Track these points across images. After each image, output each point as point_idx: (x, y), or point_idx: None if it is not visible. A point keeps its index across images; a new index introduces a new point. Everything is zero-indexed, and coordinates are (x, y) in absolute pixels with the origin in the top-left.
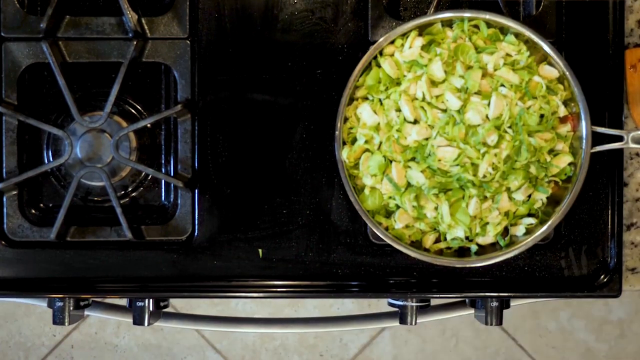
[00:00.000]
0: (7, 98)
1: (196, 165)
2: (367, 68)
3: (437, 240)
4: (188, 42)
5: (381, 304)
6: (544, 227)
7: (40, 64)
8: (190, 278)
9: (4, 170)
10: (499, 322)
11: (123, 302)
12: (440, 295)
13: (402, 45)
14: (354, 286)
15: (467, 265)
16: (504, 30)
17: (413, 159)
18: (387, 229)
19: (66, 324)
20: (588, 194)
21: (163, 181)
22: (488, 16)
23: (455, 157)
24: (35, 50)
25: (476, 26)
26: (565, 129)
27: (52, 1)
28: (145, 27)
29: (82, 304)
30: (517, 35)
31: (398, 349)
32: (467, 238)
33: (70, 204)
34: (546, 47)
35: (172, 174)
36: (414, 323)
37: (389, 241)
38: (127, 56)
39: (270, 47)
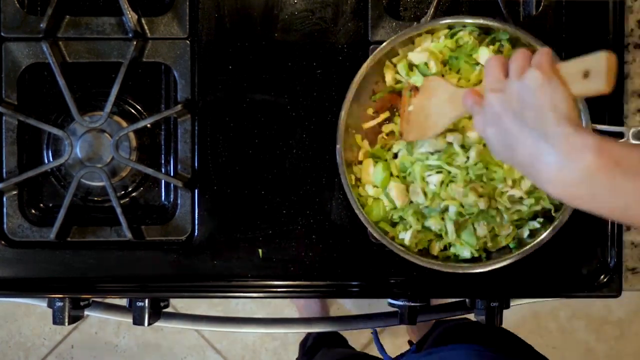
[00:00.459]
0: (7, 98)
1: (196, 165)
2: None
3: (445, 248)
4: (188, 42)
5: (381, 304)
6: (551, 228)
7: (40, 64)
8: (190, 278)
9: (4, 170)
10: (499, 322)
11: (123, 302)
12: (441, 296)
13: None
14: (354, 286)
15: (473, 271)
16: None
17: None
18: (392, 238)
19: (66, 324)
20: None
21: (163, 181)
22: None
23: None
24: (35, 50)
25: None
26: None
27: (52, 1)
28: (145, 27)
29: (82, 304)
30: (516, 40)
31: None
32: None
33: (70, 204)
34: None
35: (172, 174)
36: (414, 323)
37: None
38: (127, 56)
39: (270, 47)
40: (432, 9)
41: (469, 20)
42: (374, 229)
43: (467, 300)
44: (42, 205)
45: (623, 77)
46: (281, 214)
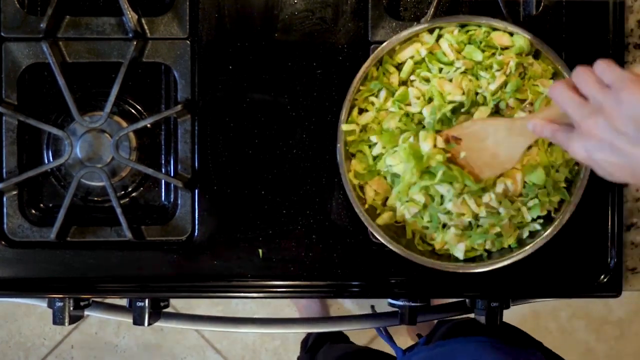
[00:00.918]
0: (7, 98)
1: (196, 165)
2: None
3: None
4: (188, 42)
5: (381, 304)
6: (551, 228)
7: (40, 64)
8: (190, 278)
9: (4, 170)
10: (499, 323)
11: (123, 302)
12: (441, 296)
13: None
14: (354, 286)
15: (473, 271)
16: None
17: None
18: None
19: (66, 324)
20: (588, 195)
21: (163, 181)
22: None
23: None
24: (35, 50)
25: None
26: None
27: (52, 1)
28: (145, 27)
29: (82, 304)
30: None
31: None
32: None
33: (70, 204)
34: (552, 54)
35: (172, 174)
36: (414, 323)
37: (393, 248)
38: (127, 56)
39: (270, 47)
40: (432, 9)
41: (474, 20)
42: (375, 229)
43: (467, 300)
44: (42, 205)
45: None
46: (281, 214)
